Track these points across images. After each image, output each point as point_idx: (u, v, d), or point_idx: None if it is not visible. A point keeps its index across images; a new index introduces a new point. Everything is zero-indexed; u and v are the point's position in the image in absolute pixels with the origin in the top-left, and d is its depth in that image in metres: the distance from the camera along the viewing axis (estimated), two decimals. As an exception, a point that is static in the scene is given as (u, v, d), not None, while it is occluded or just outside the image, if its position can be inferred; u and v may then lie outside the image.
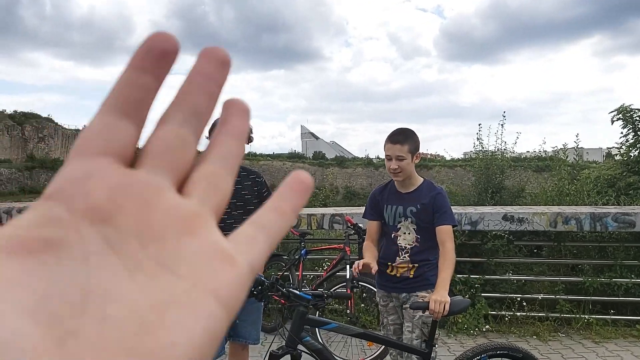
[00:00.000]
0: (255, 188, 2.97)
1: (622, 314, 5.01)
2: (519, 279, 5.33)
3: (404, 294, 2.69)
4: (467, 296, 5.04)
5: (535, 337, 4.79)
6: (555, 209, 5.28)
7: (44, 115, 57.35)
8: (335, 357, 2.31)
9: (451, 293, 2.71)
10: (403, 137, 2.61)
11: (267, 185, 3.06)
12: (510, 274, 5.31)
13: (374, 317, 5.05)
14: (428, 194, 2.66)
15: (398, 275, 2.68)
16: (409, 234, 2.66)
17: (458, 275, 5.13)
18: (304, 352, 2.37)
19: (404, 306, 2.71)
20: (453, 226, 2.64)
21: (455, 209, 5.39)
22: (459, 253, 5.37)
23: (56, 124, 56.70)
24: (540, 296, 5.18)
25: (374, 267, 2.53)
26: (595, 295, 5.09)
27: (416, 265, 2.65)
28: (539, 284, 5.46)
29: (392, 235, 2.70)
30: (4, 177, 46.58)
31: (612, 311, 5.02)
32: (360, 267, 2.53)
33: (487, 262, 5.30)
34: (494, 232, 5.23)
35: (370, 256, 2.66)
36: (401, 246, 2.67)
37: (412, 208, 2.67)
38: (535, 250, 5.74)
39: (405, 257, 2.66)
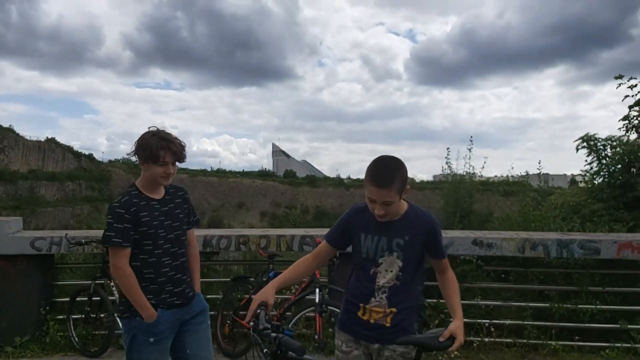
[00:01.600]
0: (185, 206, 2.84)
1: (588, 340, 5.06)
2: (487, 305, 5.33)
3: (376, 345, 2.27)
4: (437, 322, 5.01)
5: (503, 363, 4.77)
6: (524, 234, 5.33)
7: (5, 125, 55.51)
8: None
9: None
10: (389, 179, 2.11)
11: (190, 202, 2.93)
12: (479, 299, 5.31)
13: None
14: (418, 223, 2.28)
15: (372, 321, 2.25)
16: (392, 271, 2.25)
17: (428, 300, 5.10)
18: None
19: (373, 355, 2.30)
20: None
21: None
22: (428, 277, 5.39)
23: (17, 134, 54.90)
24: (507, 322, 5.19)
25: (270, 303, 2.10)
26: (561, 321, 5.13)
27: (394, 310, 2.25)
28: (507, 310, 5.48)
29: (371, 271, 2.26)
30: (-42, 189, 44.55)
31: (577, 337, 5.06)
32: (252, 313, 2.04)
33: (456, 287, 5.28)
34: (463, 257, 5.23)
35: (279, 281, 2.24)
36: (379, 285, 2.25)
37: (398, 240, 2.25)
38: (502, 276, 5.77)
39: (382, 298, 2.24)
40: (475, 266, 5.27)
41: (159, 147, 2.58)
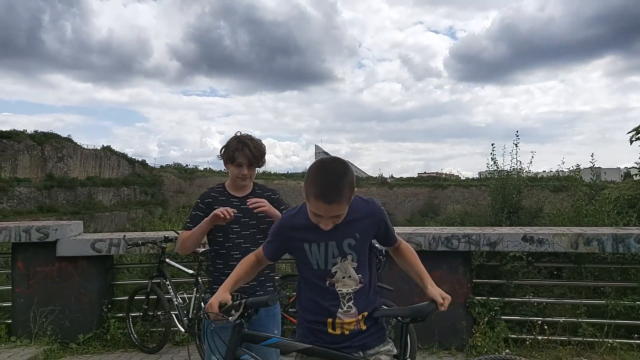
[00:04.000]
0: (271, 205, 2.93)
1: (648, 339, 4.86)
2: (540, 302, 5.21)
3: (358, 353, 2.03)
4: (487, 320, 4.94)
5: (557, 361, 4.65)
6: (576, 229, 5.17)
7: (64, 135, 58.51)
8: None
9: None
10: (338, 191, 1.81)
11: (283, 202, 3.02)
12: (531, 296, 5.20)
13: (392, 339, 4.95)
14: (366, 216, 2.02)
15: (346, 332, 1.99)
16: (349, 276, 1.98)
17: (477, 298, 5.04)
18: None
19: None
20: None
21: (473, 230, 5.33)
22: (477, 274, 5.34)
23: (75, 143, 57.74)
24: (561, 319, 5.05)
25: (227, 299, 2.04)
26: (618, 319, 4.95)
27: (365, 313, 2.02)
28: (560, 307, 5.33)
29: (327, 282, 1.99)
30: (23, 196, 47.33)
31: (635, 335, 4.87)
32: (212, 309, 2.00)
33: (506, 284, 5.19)
34: (512, 254, 5.14)
35: (229, 283, 2.13)
36: (341, 293, 1.98)
37: (349, 241, 1.98)
38: (555, 272, 5.62)
39: (350, 306, 1.99)
40: (526, 263, 5.16)
41: (235, 149, 2.79)
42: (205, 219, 2.73)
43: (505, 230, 5.37)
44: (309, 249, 1.99)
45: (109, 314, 5.40)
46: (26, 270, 5.37)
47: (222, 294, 2.03)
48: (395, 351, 2.09)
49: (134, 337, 5.24)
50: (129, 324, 5.30)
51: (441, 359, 4.80)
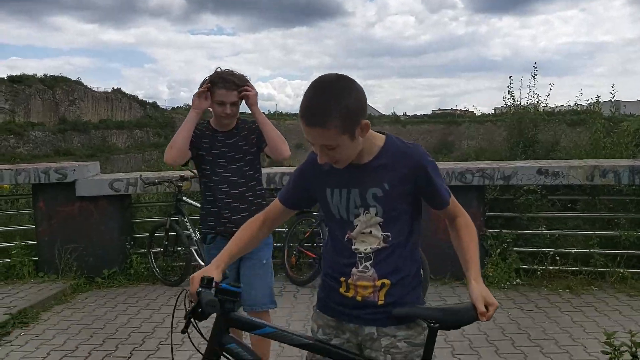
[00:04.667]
0: (252, 136, 2.88)
1: (659, 268, 4.92)
2: (552, 234, 5.26)
3: (369, 329, 1.64)
4: (499, 251, 5.01)
5: (567, 290, 4.76)
6: (592, 162, 5.12)
7: (73, 78, 58.12)
8: None
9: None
10: (322, 113, 1.44)
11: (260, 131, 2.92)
12: (544, 229, 5.24)
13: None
14: (400, 163, 1.61)
15: (359, 298, 1.64)
16: (372, 232, 1.63)
17: (490, 231, 5.09)
18: None
19: (366, 347, 1.67)
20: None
21: (487, 164, 5.31)
22: (490, 208, 5.37)
23: (85, 86, 57.46)
24: (573, 250, 5.11)
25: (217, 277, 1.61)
26: (630, 249, 4.99)
27: (387, 282, 1.62)
28: (573, 239, 5.38)
29: (345, 236, 1.66)
30: (39, 140, 47.87)
31: (647, 265, 4.93)
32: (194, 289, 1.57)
33: (519, 217, 5.23)
34: (527, 187, 5.13)
35: (222, 259, 1.70)
36: (359, 252, 1.64)
37: (375, 191, 1.61)
38: (569, 205, 5.63)
39: (366, 267, 1.63)
40: (540, 196, 5.16)
41: (216, 85, 2.72)
42: (188, 115, 2.79)
43: (519, 164, 5.35)
44: (330, 195, 1.68)
45: (131, 250, 5.58)
46: (47, 210, 5.52)
47: (211, 269, 1.63)
48: (421, 337, 1.63)
49: (156, 271, 5.45)
50: (151, 259, 5.49)
51: (453, 289, 4.93)
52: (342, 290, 1.67)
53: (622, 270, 4.91)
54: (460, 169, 5.00)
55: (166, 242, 5.43)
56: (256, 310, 2.81)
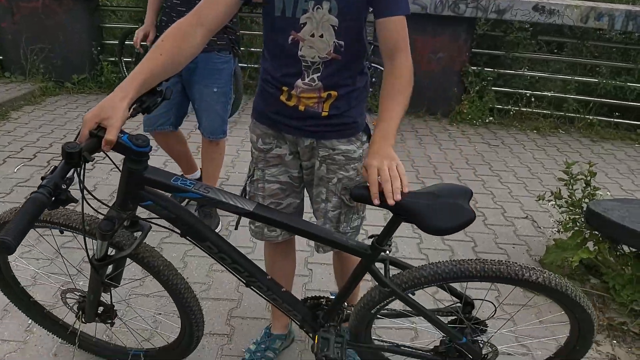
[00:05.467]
0: None
1: (627, 119, 5.06)
2: (533, 76, 5.24)
3: (308, 141, 1.53)
4: (477, 89, 5.01)
5: (535, 131, 4.91)
6: (590, 3, 4.89)
7: None
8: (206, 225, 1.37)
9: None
10: None
11: None
12: (526, 69, 5.20)
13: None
14: None
15: (301, 108, 1.48)
16: (323, 36, 1.38)
17: (472, 67, 5.01)
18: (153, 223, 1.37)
19: (304, 158, 1.59)
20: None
21: (483, -5, 5.00)
22: (478, 44, 5.22)
23: None
24: (550, 93, 5.16)
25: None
26: (605, 98, 5.07)
27: (333, 93, 1.46)
28: (551, 83, 5.39)
29: (290, 38, 1.40)
30: None
31: (617, 113, 5.05)
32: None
33: (504, 56, 5.12)
34: (519, 25, 4.94)
35: (135, 82, 1.18)
36: (305, 60, 1.41)
37: None
38: (554, 51, 5.53)
39: (313, 79, 1.43)
40: (530, 35, 5.00)
41: None
42: None
43: (516, -3, 5.07)
44: None
45: (100, 56, 5.33)
46: (9, 4, 5.08)
47: (116, 106, 1.13)
48: (359, 152, 1.54)
49: (128, 81, 5.28)
50: (122, 68, 5.26)
51: (426, 122, 5.02)
52: (283, 98, 1.49)
53: (591, 117, 5.04)
54: (454, -3, 4.70)
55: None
56: (206, 137, 2.67)
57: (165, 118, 2.63)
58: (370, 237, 1.38)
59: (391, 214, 1.30)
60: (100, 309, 1.57)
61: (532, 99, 5.11)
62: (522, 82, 5.24)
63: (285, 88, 1.47)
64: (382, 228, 1.33)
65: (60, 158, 1.07)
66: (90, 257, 1.35)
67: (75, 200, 1.09)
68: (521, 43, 5.02)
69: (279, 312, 1.92)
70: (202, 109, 2.60)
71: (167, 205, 1.28)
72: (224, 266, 1.39)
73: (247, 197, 1.64)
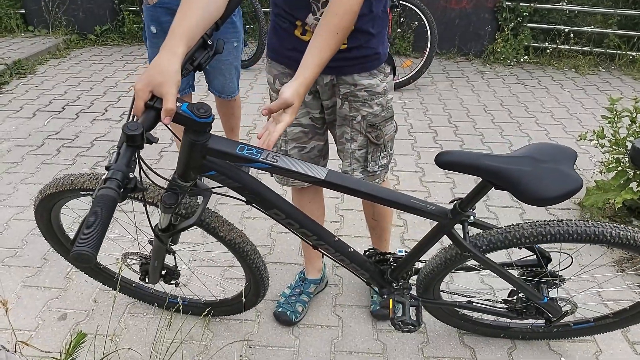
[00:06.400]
0: None
1: (673, 53, 4.76)
2: (572, 10, 4.93)
3: (327, 78, 1.43)
4: (512, 26, 4.76)
5: (574, 70, 4.67)
6: None
7: None
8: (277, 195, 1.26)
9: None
10: None
11: None
12: (564, 4, 4.88)
13: (409, 43, 4.89)
14: None
15: None
16: None
17: (507, 3, 4.73)
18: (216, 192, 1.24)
19: (323, 97, 1.50)
20: None
21: None
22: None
23: None
24: (590, 28, 4.85)
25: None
26: (650, 31, 4.75)
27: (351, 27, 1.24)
28: (591, 18, 5.07)
29: None
30: None
31: (662, 49, 4.75)
32: None
33: (541, -11, 4.81)
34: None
35: (184, 33, 1.03)
36: None
37: None
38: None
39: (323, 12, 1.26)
40: (568, -35, 4.67)
41: None
42: None
43: None
44: None
45: (121, 5, 5.24)
46: (25, -46, 5.00)
47: (170, 67, 0.97)
48: (383, 85, 1.44)
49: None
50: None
51: (458, 63, 4.82)
52: (297, 33, 1.37)
53: (634, 52, 4.75)
54: None
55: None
56: (223, 98, 2.50)
57: (186, 80, 2.40)
58: (452, 201, 1.27)
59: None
60: (164, 271, 1.57)
61: (571, 35, 4.83)
62: (560, 17, 4.94)
63: (299, 22, 1.36)
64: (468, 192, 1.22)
65: (110, 137, 1.01)
66: (154, 226, 1.31)
67: (145, 189, 0.97)
68: (560, -26, 4.69)
69: (312, 257, 1.92)
70: (221, 67, 2.37)
71: (232, 175, 1.17)
72: (291, 230, 1.32)
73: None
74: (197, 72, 1.10)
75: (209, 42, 1.10)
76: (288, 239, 2.27)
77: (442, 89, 4.15)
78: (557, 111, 3.75)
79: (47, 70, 4.40)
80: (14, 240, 2.23)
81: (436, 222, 1.29)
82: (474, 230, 1.29)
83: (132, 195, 1.30)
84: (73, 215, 2.23)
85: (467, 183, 2.72)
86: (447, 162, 1.14)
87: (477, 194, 1.19)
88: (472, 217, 1.24)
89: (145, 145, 0.95)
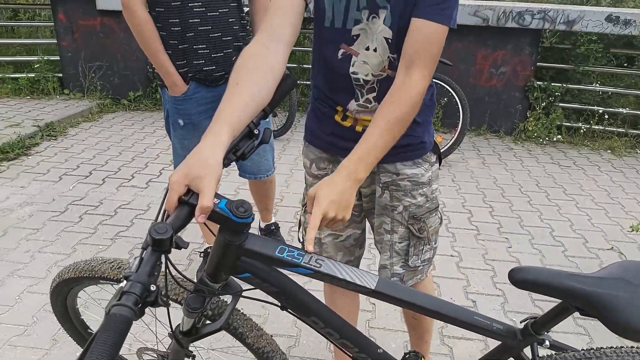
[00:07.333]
0: None
1: None
2: (605, 91, 4.87)
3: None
4: (544, 105, 4.70)
5: (609, 151, 4.53)
6: (671, 12, 4.51)
7: None
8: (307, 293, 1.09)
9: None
10: None
11: None
12: (597, 85, 4.83)
13: (437, 119, 4.85)
14: None
15: (359, 128, 1.29)
16: (377, 50, 1.19)
17: (538, 82, 4.70)
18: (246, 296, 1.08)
19: (363, 185, 1.39)
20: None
21: (551, 6, 4.72)
22: (543, 58, 4.90)
23: None
24: (624, 110, 4.76)
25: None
26: (688, 115, 4.64)
27: None
28: (624, 99, 5.01)
29: (340, 52, 1.23)
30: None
31: (702, 132, 4.62)
32: None
33: (574, 69, 4.78)
34: (589, 37, 4.61)
35: (225, 128, 0.91)
36: (357, 79, 1.24)
37: None
38: (625, 65, 5.14)
39: (369, 100, 1.25)
40: (601, 47, 4.65)
41: None
42: None
43: (587, 7, 4.74)
44: None
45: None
46: (68, 22, 5.21)
47: (211, 161, 0.86)
48: (427, 175, 1.35)
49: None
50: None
51: (488, 140, 4.74)
52: (337, 118, 1.31)
53: (672, 135, 4.62)
54: (519, 8, 4.44)
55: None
56: (259, 179, 2.33)
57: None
58: (524, 320, 1.08)
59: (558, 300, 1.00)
60: None
61: (605, 116, 4.74)
62: (593, 97, 4.88)
63: (339, 108, 1.30)
64: (544, 313, 1.04)
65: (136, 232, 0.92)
66: (174, 329, 1.15)
67: (167, 305, 0.82)
68: (593, 56, 4.67)
69: (342, 353, 1.73)
70: (260, 149, 2.24)
71: (269, 278, 1.02)
72: (330, 341, 1.15)
73: (303, 229, 1.43)
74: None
75: (255, 132, 1.00)
76: (315, 328, 2.08)
77: (474, 166, 4.04)
78: (597, 195, 3.58)
79: (79, 134, 4.44)
80: (24, 316, 2.10)
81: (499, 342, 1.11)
82: (544, 351, 1.12)
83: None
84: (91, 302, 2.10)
85: (507, 272, 2.53)
86: (522, 280, 0.98)
87: (556, 316, 1.01)
88: (547, 342, 1.06)
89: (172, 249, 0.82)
